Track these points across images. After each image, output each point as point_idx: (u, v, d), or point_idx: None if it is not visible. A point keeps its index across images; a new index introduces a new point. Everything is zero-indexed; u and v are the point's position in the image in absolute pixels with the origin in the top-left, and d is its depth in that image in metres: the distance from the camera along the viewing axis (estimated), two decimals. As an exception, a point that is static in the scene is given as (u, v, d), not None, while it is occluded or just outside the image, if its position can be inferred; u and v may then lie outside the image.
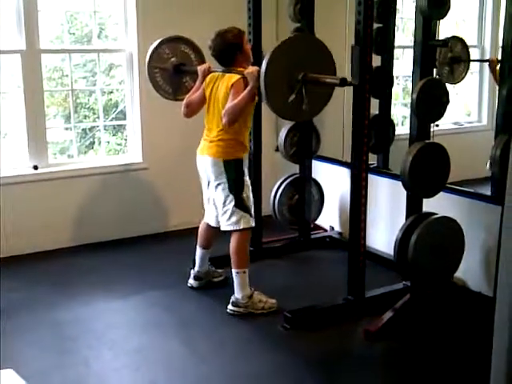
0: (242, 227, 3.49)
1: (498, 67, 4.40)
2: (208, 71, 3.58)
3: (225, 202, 3.50)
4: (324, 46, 3.07)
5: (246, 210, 3.50)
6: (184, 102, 3.62)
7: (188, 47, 3.93)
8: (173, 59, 3.88)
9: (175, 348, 3.21)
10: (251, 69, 3.30)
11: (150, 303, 3.72)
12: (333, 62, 3.10)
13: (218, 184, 3.50)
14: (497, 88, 4.19)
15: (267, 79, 2.91)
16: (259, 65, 4.20)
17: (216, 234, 3.78)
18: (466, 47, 3.63)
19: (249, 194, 3.54)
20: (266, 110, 3.96)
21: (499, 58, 4.36)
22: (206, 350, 3.20)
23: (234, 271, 3.52)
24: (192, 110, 3.61)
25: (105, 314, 3.61)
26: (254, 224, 3.57)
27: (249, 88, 3.28)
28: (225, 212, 3.51)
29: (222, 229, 3.57)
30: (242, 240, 3.52)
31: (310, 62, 3.00)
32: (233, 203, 3.47)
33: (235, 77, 3.37)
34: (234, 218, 3.49)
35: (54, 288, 3.89)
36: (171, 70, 3.88)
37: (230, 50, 3.42)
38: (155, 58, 3.86)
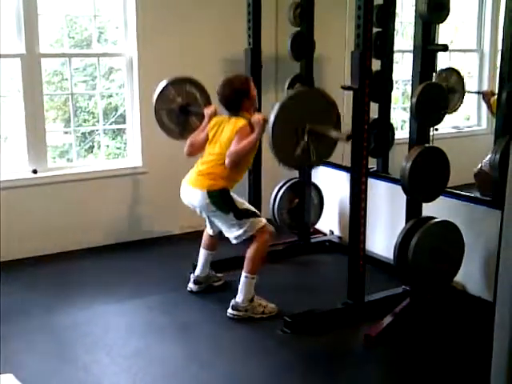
0: (255, 231, 3.47)
1: (493, 99, 4.42)
2: (214, 114, 3.67)
3: (225, 221, 3.51)
4: (329, 97, 3.11)
5: (249, 215, 3.49)
6: (188, 141, 3.68)
7: (194, 88, 4.01)
8: (179, 99, 3.95)
9: (174, 352, 3.21)
10: (257, 116, 3.39)
11: (149, 307, 3.71)
12: (338, 113, 3.14)
13: (210, 212, 3.53)
14: (493, 117, 4.19)
15: (275, 132, 2.96)
16: (260, 68, 4.26)
17: (220, 238, 3.79)
18: (461, 78, 3.64)
19: (242, 202, 3.55)
20: (264, 111, 3.97)
21: (494, 90, 4.39)
22: (205, 354, 3.19)
23: (244, 274, 3.49)
24: (195, 150, 3.67)
25: (103, 317, 3.60)
26: (265, 220, 3.56)
27: (254, 135, 3.37)
28: (229, 229, 3.51)
29: (234, 243, 3.56)
30: (262, 245, 3.49)
31: (316, 113, 3.05)
32: (234, 219, 3.46)
33: (241, 121, 3.44)
34: (241, 230, 3.47)
35: (52, 292, 3.88)
36: (177, 110, 3.96)
37: (237, 96, 3.52)
38: (161, 99, 3.93)
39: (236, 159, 3.39)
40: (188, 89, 3.99)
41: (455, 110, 3.71)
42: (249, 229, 3.46)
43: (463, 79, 3.69)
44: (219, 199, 3.45)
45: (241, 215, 3.46)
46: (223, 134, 3.52)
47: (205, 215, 3.64)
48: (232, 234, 3.50)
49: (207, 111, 3.72)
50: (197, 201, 3.51)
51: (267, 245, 3.54)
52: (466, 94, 4.39)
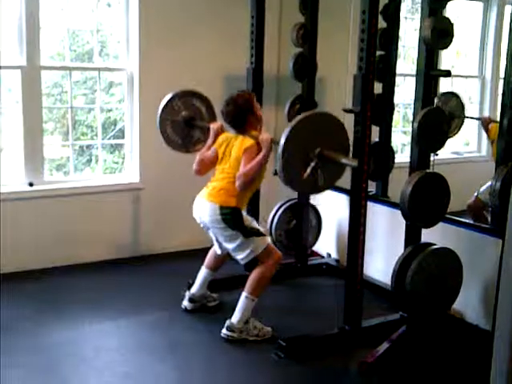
0: (260, 250, 3.44)
1: (491, 125, 4.43)
2: (221, 130, 3.65)
3: (231, 239, 3.47)
4: (339, 121, 3.08)
5: (256, 234, 3.47)
6: (197, 159, 3.66)
7: (200, 102, 4.02)
8: (184, 112, 3.95)
9: (166, 372, 3.15)
10: (265, 136, 3.40)
11: (141, 326, 3.65)
12: (347, 138, 3.12)
13: (218, 228, 3.49)
14: (491, 142, 4.17)
15: (285, 155, 2.92)
16: (261, 87, 4.25)
17: (225, 261, 3.77)
18: (460, 103, 3.64)
19: (249, 220, 3.53)
20: (264, 130, 3.95)
21: (492, 117, 4.39)
22: (198, 375, 3.14)
23: (244, 294, 3.45)
24: (204, 168, 3.65)
25: (95, 336, 3.53)
26: (270, 240, 3.55)
27: (262, 155, 3.37)
28: (235, 248, 3.48)
29: (242, 263, 3.53)
30: (268, 268, 3.46)
31: (326, 137, 3.01)
32: (241, 237, 3.43)
33: (249, 141, 3.44)
34: (247, 250, 3.44)
35: (42, 308, 3.81)
36: (182, 123, 3.96)
37: (242, 114, 3.51)
38: (167, 110, 3.93)
39: (246, 181, 3.38)
40: (194, 102, 4.00)
41: (454, 135, 3.69)
42: (254, 249, 3.43)
43: (463, 104, 3.68)
44: (230, 217, 3.42)
45: (248, 233, 3.44)
46: (232, 152, 3.51)
47: (212, 234, 3.60)
48: (238, 254, 3.47)
49: (213, 127, 3.70)
50: (208, 215, 3.47)
51: (273, 269, 3.50)
52: (466, 119, 4.38)
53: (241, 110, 3.50)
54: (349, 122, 3.36)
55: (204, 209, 3.50)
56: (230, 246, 3.50)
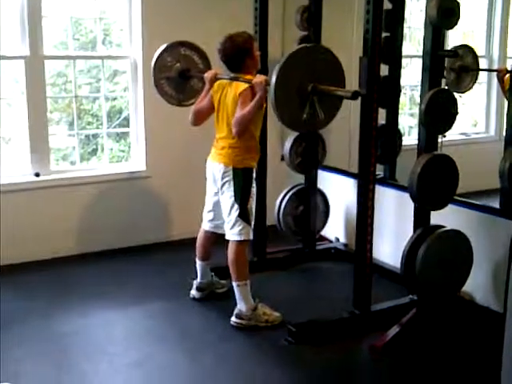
0: (242, 238, 3.45)
1: (507, 77, 4.35)
2: (215, 78, 3.54)
3: (230, 210, 3.46)
4: (333, 55, 3.01)
5: (248, 221, 3.46)
6: (192, 109, 3.59)
7: (190, 50, 3.89)
8: (177, 65, 3.84)
9: (177, 361, 3.15)
10: (259, 78, 3.25)
11: (151, 314, 3.66)
12: (342, 73, 3.04)
13: (226, 191, 3.46)
14: (505, 100, 4.13)
15: (277, 93, 2.86)
16: (266, 73, 4.21)
17: (213, 244, 3.75)
18: (475, 57, 3.56)
19: (252, 205, 3.51)
20: (270, 119, 3.92)
21: (509, 68, 4.31)
22: (208, 363, 3.14)
23: (234, 284, 3.47)
24: (200, 118, 3.58)
25: (104, 325, 3.54)
26: (252, 237, 3.54)
27: (257, 98, 3.25)
28: (229, 221, 3.48)
29: (226, 237, 3.53)
30: (240, 251, 3.47)
31: (320, 72, 2.94)
32: (237, 213, 3.43)
33: (243, 85, 3.33)
34: (236, 228, 3.44)
35: (52, 298, 3.83)
36: (177, 77, 3.85)
37: (239, 54, 3.38)
38: (159, 69, 3.82)
39: (241, 126, 3.30)
40: (184, 52, 3.86)
41: (469, 90, 3.62)
42: (243, 233, 3.43)
43: (478, 58, 3.61)
44: (241, 177, 3.40)
45: (244, 214, 3.42)
46: (227, 99, 3.42)
47: (215, 198, 3.57)
48: (230, 227, 3.46)
49: (207, 76, 3.57)
50: (220, 171, 3.45)
51: (243, 249, 3.49)
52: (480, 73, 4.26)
53: (238, 50, 3.38)
54: (355, 104, 3.33)
55: (216, 168, 3.48)
56: (225, 216, 3.49)
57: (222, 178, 3.46)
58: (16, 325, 3.45)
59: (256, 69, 3.49)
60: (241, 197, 3.42)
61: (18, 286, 4.00)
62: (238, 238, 3.45)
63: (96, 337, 3.38)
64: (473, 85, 3.68)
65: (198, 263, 3.79)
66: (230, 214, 3.47)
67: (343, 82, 3.05)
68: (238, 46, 3.37)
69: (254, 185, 3.51)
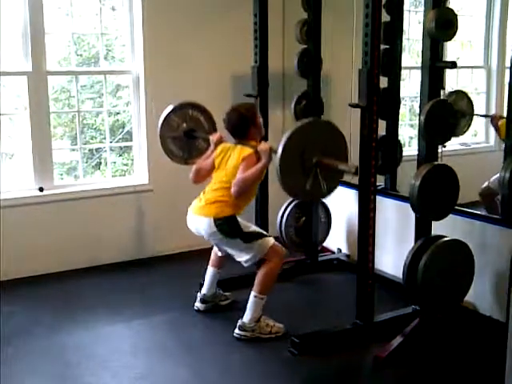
0: (265, 252, 3.45)
1: (501, 122, 4.38)
2: (220, 141, 3.66)
3: (233, 246, 3.49)
4: (336, 128, 3.10)
5: (257, 237, 3.47)
6: (194, 167, 3.69)
7: (197, 111, 4.02)
8: (184, 125, 3.97)
9: (181, 374, 3.16)
10: (264, 145, 3.39)
11: (154, 327, 3.67)
12: (345, 145, 3.12)
13: (217, 240, 3.51)
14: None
15: (282, 165, 2.94)
16: (266, 87, 4.26)
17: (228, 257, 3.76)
18: (470, 101, 3.60)
19: (248, 225, 3.51)
20: (272, 132, 3.96)
21: (503, 114, 4.33)
22: (212, 375, 3.14)
23: (253, 293, 3.46)
24: (201, 177, 3.68)
25: (108, 338, 3.55)
26: (273, 240, 3.53)
27: (261, 164, 3.37)
28: (239, 254, 3.49)
29: (246, 265, 3.54)
30: (273, 266, 3.46)
31: (323, 144, 3.03)
32: (242, 243, 3.44)
33: (247, 150, 3.44)
34: (251, 254, 3.45)
35: (54, 313, 3.84)
36: (183, 136, 3.98)
37: (243, 123, 3.53)
38: (166, 128, 3.95)
39: (242, 187, 3.38)
40: (191, 113, 4.01)
41: (463, 133, 3.66)
42: (258, 252, 3.44)
43: (472, 102, 3.65)
44: (226, 226, 3.42)
45: (248, 238, 3.44)
46: (229, 161, 3.52)
47: (212, 242, 3.62)
48: (242, 258, 3.48)
49: (213, 138, 3.72)
50: (203, 229, 3.49)
51: (279, 266, 3.51)
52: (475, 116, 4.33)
53: (242, 120, 3.53)
54: (355, 116, 3.36)
55: (199, 223, 3.51)
56: (232, 252, 3.53)
57: (209, 232, 3.47)
58: (20, 338, 3.48)
59: (260, 136, 3.63)
60: (233, 234, 3.44)
61: (23, 299, 4.02)
62: (262, 256, 3.44)
63: (100, 350, 3.39)
64: (468, 129, 3.70)
65: (210, 270, 3.81)
66: (234, 249, 3.49)
67: (346, 154, 3.14)
68: (243, 116, 3.52)
69: (240, 219, 3.52)
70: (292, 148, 2.96)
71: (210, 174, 3.63)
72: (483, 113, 5.70)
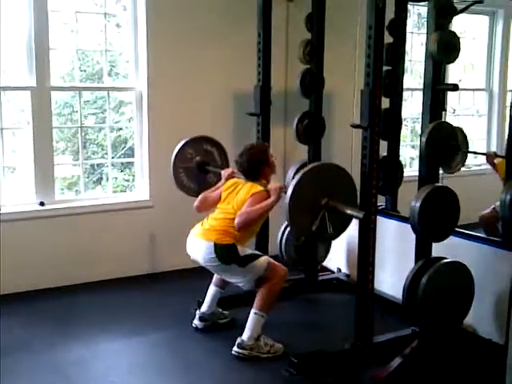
0: (262, 272, 3.44)
1: (497, 161, 4.38)
2: (231, 176, 3.72)
3: (229, 273, 3.49)
4: (345, 172, 3.14)
5: (252, 258, 3.46)
6: (200, 196, 3.74)
7: (211, 146, 4.09)
8: (197, 158, 4.03)
9: (178, 392, 3.14)
10: (275, 185, 3.43)
11: (152, 344, 3.65)
12: (354, 188, 3.17)
13: (213, 266, 3.51)
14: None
15: (291, 206, 2.97)
16: (269, 104, 4.28)
17: None
18: (465, 138, 3.62)
19: (244, 250, 3.49)
20: (274, 151, 3.97)
21: (498, 152, 4.33)
22: (209, 394, 3.13)
23: (253, 310, 3.44)
24: (206, 207, 3.72)
25: (106, 355, 3.53)
26: (268, 258, 3.53)
27: (270, 201, 3.39)
28: (236, 279, 3.50)
29: (245, 289, 3.55)
30: (275, 284, 3.45)
31: (333, 187, 3.07)
32: (237, 268, 3.44)
33: (259, 187, 3.48)
34: (248, 275, 3.45)
35: (54, 327, 3.83)
36: (195, 169, 4.04)
37: (256, 165, 3.58)
38: (180, 159, 4.00)
39: (246, 220, 3.38)
40: (206, 147, 4.07)
41: (458, 170, 3.68)
42: (254, 273, 3.44)
43: (467, 138, 3.67)
44: (225, 253, 3.42)
45: (244, 262, 3.43)
46: (238, 195, 3.54)
47: (209, 268, 3.61)
48: (239, 282, 3.49)
49: (224, 173, 3.78)
50: (202, 254, 3.48)
51: (280, 284, 3.49)
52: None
53: (255, 163, 3.57)
54: (358, 136, 3.37)
55: (199, 248, 3.51)
56: (228, 278, 3.54)
57: (206, 258, 3.46)
58: (19, 353, 3.45)
59: (273, 173, 3.68)
60: (230, 261, 3.43)
61: (22, 314, 4.00)
62: (262, 276, 3.43)
63: (99, 366, 3.37)
64: (463, 164, 3.72)
65: (212, 288, 3.80)
66: (232, 276, 3.49)
67: (355, 197, 3.18)
68: (255, 158, 3.57)
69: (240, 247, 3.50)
70: (302, 189, 3.00)
71: (214, 205, 3.66)
72: (484, 135, 5.73)
